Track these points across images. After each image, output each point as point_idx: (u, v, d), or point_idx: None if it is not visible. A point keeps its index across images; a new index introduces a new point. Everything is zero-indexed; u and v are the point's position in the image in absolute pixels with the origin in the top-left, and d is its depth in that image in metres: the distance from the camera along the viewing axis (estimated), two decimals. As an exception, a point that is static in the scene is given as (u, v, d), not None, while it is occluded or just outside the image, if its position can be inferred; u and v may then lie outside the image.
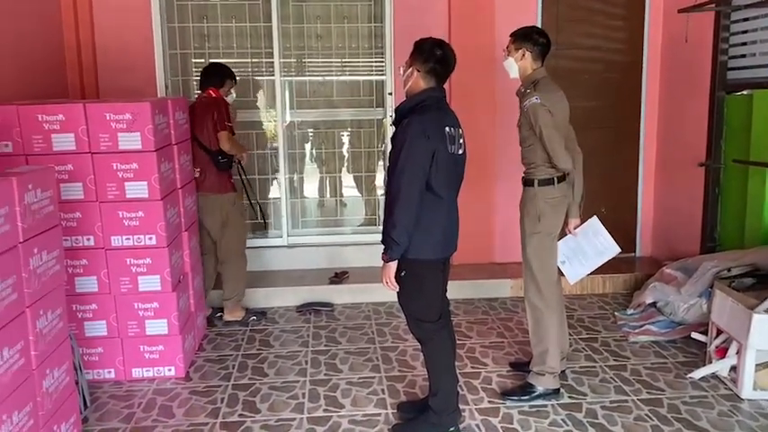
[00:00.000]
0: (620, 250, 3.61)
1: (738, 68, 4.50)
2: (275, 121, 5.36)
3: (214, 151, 4.26)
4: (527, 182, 3.41)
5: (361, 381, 3.66)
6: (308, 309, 4.80)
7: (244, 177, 4.68)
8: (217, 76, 4.37)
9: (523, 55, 3.36)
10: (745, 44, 4.47)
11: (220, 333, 4.40)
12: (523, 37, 3.38)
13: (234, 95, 4.53)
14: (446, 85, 2.98)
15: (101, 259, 3.53)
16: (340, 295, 4.98)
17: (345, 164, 5.68)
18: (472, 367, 3.81)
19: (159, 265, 3.58)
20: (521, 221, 3.45)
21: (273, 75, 5.28)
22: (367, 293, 4.95)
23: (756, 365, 3.36)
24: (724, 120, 4.59)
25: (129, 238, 3.52)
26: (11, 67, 4.03)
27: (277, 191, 5.50)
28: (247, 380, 3.70)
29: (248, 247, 4.66)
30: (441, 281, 2.98)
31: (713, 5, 4.47)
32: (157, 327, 3.66)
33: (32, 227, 2.54)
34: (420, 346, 3.10)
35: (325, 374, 3.75)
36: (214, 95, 4.32)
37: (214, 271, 4.57)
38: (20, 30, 4.15)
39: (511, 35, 3.43)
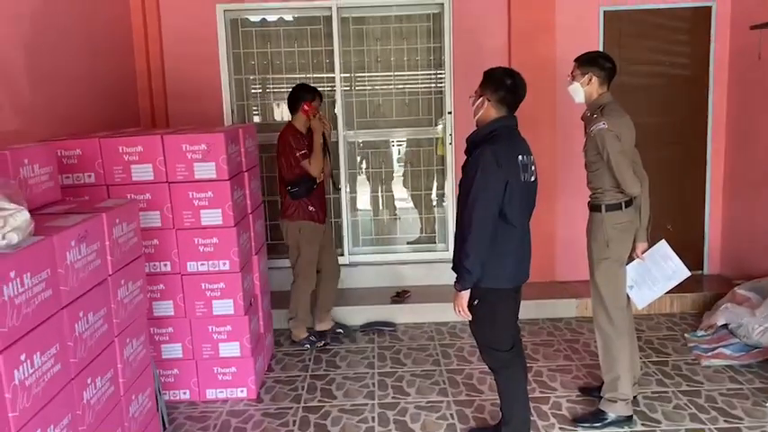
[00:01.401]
0: (689, 274, 3.51)
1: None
2: (336, 140, 5.44)
3: (285, 181, 4.38)
4: (594, 207, 3.39)
5: (429, 405, 3.68)
6: (371, 328, 4.85)
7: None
8: (291, 105, 4.45)
9: (590, 80, 3.33)
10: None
11: (287, 353, 4.49)
12: (589, 62, 3.36)
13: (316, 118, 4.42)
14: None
15: (177, 284, 3.66)
16: (402, 314, 5.01)
17: (404, 182, 5.72)
18: (541, 392, 3.78)
19: (232, 289, 3.69)
20: (588, 247, 3.42)
21: (335, 95, 5.37)
22: (429, 313, 4.98)
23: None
24: (798, 136, 4.47)
25: (204, 264, 3.64)
26: (87, 95, 4.23)
27: (338, 209, 5.58)
28: (317, 402, 3.77)
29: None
30: (513, 309, 2.99)
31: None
32: (230, 349, 3.77)
33: (120, 260, 2.65)
34: (491, 373, 3.10)
35: (392, 398, 3.79)
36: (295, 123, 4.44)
37: None
38: (95, 59, 4.35)
39: (576, 60, 3.41)
